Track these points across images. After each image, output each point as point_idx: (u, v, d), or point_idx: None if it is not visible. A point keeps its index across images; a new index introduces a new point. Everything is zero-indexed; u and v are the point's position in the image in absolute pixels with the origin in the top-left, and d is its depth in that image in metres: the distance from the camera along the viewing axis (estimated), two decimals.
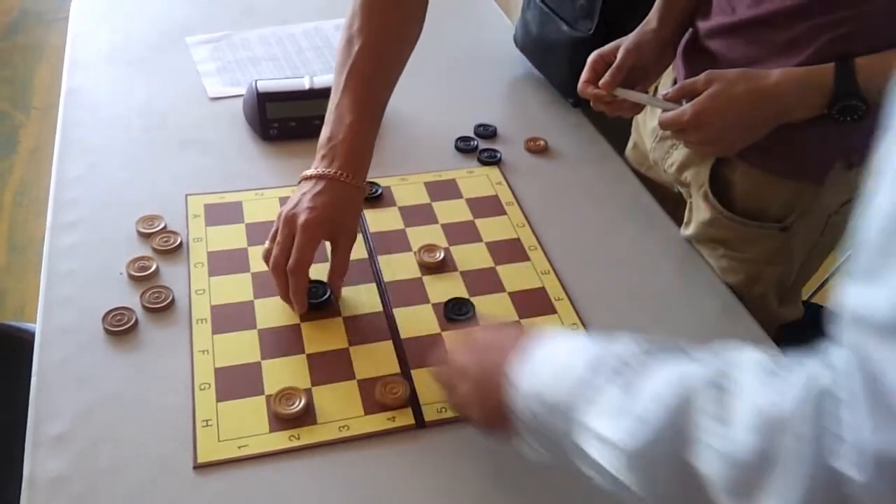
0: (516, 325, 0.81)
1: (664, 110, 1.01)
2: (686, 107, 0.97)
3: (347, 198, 0.96)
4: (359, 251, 1.05)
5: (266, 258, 0.95)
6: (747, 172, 1.05)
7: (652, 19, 1.12)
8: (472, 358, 0.77)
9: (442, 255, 1.05)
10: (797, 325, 1.17)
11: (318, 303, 0.96)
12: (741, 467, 0.49)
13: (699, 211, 1.12)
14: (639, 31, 1.12)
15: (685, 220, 1.15)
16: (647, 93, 1.10)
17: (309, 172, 0.97)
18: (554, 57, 1.38)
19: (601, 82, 1.08)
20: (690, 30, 1.13)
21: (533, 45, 1.43)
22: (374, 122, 1.01)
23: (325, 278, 0.98)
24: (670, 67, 1.17)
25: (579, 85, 1.12)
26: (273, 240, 0.94)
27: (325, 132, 0.99)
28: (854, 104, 0.90)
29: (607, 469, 0.59)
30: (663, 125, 1.01)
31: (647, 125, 1.24)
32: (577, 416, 0.61)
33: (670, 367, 0.58)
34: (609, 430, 0.58)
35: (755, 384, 0.51)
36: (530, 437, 0.69)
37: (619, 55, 1.09)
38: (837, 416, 0.44)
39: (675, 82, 1.16)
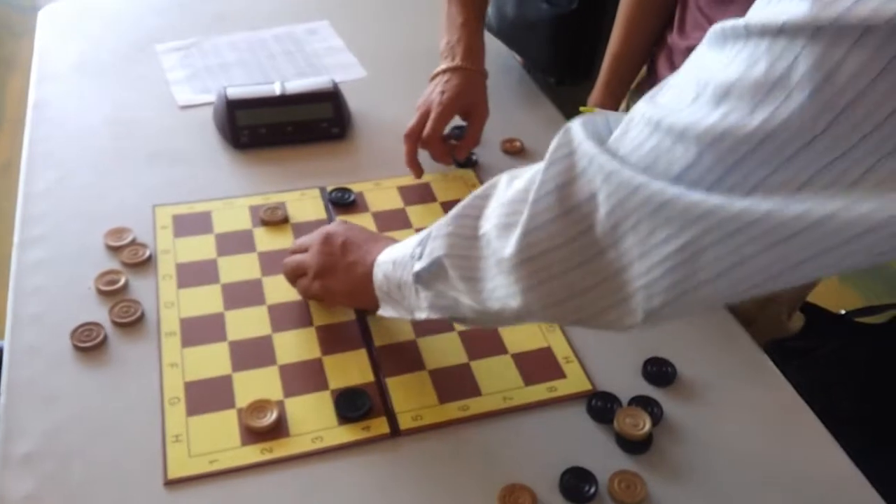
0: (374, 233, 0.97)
1: None
2: None
3: (472, 81, 1.18)
4: None
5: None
6: None
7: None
8: (338, 250, 0.91)
9: None
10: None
11: None
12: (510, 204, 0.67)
13: None
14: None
15: None
16: None
17: (436, 70, 1.18)
18: (534, 36, 1.37)
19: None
20: (657, 46, 1.12)
21: (510, 27, 1.42)
22: (480, 18, 1.23)
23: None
24: (645, 81, 1.17)
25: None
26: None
27: (443, 41, 1.21)
28: None
29: (426, 283, 0.77)
30: None
31: None
32: (411, 263, 0.78)
33: None
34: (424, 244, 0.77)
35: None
36: (384, 300, 0.85)
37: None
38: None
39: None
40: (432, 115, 1.14)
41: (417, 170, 1.16)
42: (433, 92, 1.16)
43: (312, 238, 0.94)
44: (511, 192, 0.68)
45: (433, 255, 0.75)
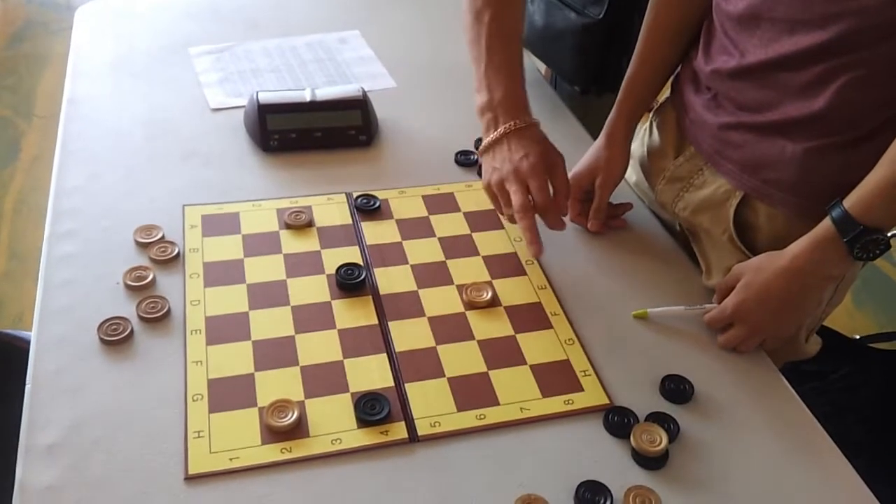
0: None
1: (704, 312, 1.01)
2: (726, 302, 0.98)
3: (535, 135, 1.06)
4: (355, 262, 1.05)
5: (507, 213, 1.06)
6: (773, 215, 1.02)
7: (617, 133, 1.14)
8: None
9: (490, 292, 1.03)
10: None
11: (355, 283, 1.01)
12: None
13: (721, 257, 1.09)
14: (606, 162, 1.13)
15: (703, 267, 1.12)
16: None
17: (489, 140, 1.06)
18: (562, 46, 1.38)
19: (591, 226, 1.14)
20: (682, 68, 1.13)
21: (538, 37, 1.43)
22: (519, 70, 1.08)
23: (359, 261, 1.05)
24: (668, 102, 1.17)
25: (571, 216, 1.15)
26: (501, 197, 1.05)
27: (481, 98, 1.08)
28: (874, 238, 0.87)
29: None
30: (711, 325, 1.00)
31: (651, 167, 1.21)
32: None
33: None
34: None
35: None
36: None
37: (598, 194, 1.13)
38: None
39: (676, 121, 1.15)
40: (534, 188, 1.02)
41: (539, 246, 1.03)
42: (511, 162, 1.03)
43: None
44: None
45: None
